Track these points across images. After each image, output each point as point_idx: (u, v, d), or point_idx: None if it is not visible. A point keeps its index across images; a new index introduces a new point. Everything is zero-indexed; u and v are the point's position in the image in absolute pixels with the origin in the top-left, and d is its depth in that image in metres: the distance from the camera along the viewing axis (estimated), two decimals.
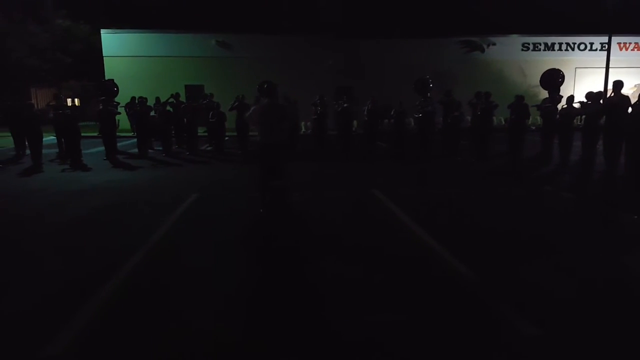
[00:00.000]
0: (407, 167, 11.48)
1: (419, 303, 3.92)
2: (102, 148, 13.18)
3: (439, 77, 18.29)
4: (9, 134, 13.87)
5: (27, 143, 12.52)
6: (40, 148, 11.88)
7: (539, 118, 14.66)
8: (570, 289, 4.17)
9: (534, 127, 19.06)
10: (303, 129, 21.74)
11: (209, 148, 15.43)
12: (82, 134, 12.66)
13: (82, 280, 4.45)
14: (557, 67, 13.36)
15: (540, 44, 27.10)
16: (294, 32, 26.44)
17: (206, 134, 15.78)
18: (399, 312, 3.75)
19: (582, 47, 27.17)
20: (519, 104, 12.15)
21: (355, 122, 15.82)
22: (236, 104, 14.24)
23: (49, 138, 13.78)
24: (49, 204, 7.72)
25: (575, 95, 12.58)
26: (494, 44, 26.85)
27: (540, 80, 12.90)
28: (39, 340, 3.33)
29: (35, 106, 13.76)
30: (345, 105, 14.18)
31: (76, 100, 32.72)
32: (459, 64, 25.84)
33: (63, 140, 12.98)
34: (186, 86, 23.23)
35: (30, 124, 11.93)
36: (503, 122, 19.99)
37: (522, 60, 26.77)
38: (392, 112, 13.84)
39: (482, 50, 26.75)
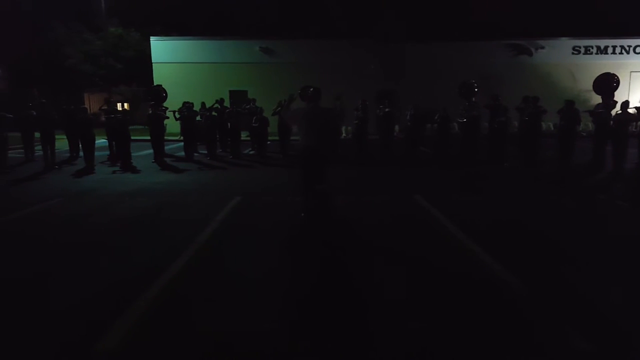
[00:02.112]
0: (450, 173, 11.26)
1: (464, 313, 3.82)
2: (151, 151, 13.63)
3: (485, 81, 17.86)
4: (64, 137, 14.57)
5: (80, 145, 13.11)
6: (92, 150, 12.41)
7: (590, 124, 14.08)
8: (626, 304, 3.96)
9: (584, 134, 18.31)
10: (344, 134, 21.76)
11: (251, 152, 15.67)
12: (132, 137, 13.15)
13: (132, 277, 4.61)
14: (610, 71, 12.78)
15: (592, 47, 26.04)
16: (336, 36, 26.52)
17: (249, 138, 16.06)
18: (443, 320, 3.68)
19: (637, 50, 25.91)
20: (570, 110, 11.71)
21: (396, 127, 15.68)
22: (279, 108, 14.42)
23: (101, 141, 14.38)
24: (100, 204, 8.05)
25: (630, 100, 12.00)
26: (543, 48, 26.01)
27: (593, 85, 12.38)
28: (94, 334, 3.46)
29: (89, 110, 14.37)
30: (387, 109, 14.09)
31: (125, 104, 34.02)
32: (506, 68, 25.16)
33: (114, 143, 13.51)
34: (230, 91, 23.74)
35: (83, 127, 12.49)
36: (552, 128, 19.31)
37: (572, 64, 25.80)
38: (436, 117, 13.63)
39: (530, 54, 25.97)
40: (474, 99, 13.43)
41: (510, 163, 12.27)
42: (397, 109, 14.34)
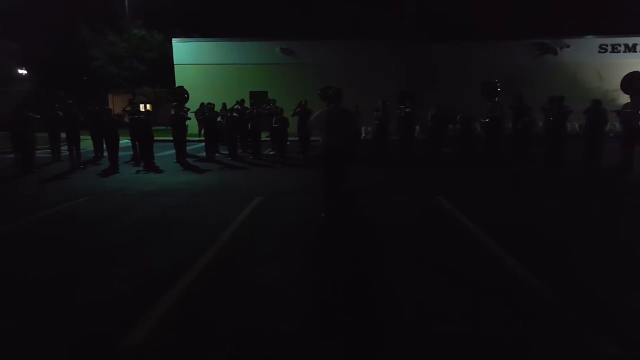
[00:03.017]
0: (473, 174, 11.11)
1: (487, 316, 3.76)
2: (173, 151, 13.81)
3: (509, 80, 17.59)
4: (89, 137, 14.87)
5: (105, 146, 13.36)
6: (117, 151, 12.63)
7: (617, 124, 13.72)
8: None
9: (612, 135, 17.85)
10: (363, 134, 21.66)
11: (271, 152, 15.74)
12: (155, 138, 13.34)
13: (156, 275, 4.66)
14: (639, 69, 12.43)
15: (619, 45, 25.42)
16: (357, 37, 26.46)
17: (269, 138, 16.13)
18: (468, 323, 3.62)
19: None
20: (596, 109, 11.43)
21: (417, 127, 15.57)
22: (298, 109, 14.47)
23: (125, 141, 14.64)
24: (125, 203, 8.19)
25: None
26: (568, 46, 25.50)
27: (621, 84, 12.04)
28: (118, 331, 3.51)
29: (113, 111, 14.63)
30: (408, 110, 13.99)
31: (148, 105, 34.54)
32: (530, 67, 24.74)
33: (137, 143, 13.73)
34: (251, 92, 23.88)
35: (108, 128, 12.72)
36: (578, 129, 18.90)
37: (599, 62, 25.22)
38: (458, 117, 13.46)
39: (555, 53, 25.49)
40: (497, 99, 13.23)
41: (535, 165, 12.04)
42: (418, 109, 14.21)
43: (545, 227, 6.39)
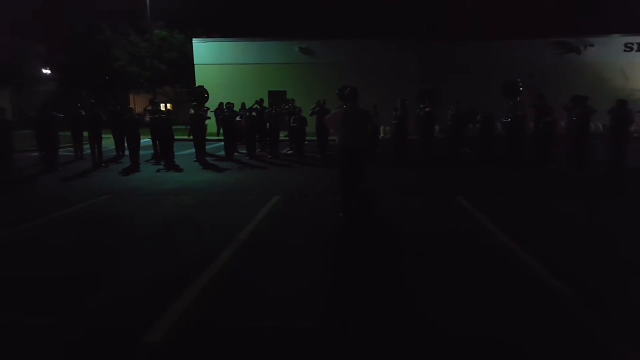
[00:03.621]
0: (494, 175, 10.97)
1: (512, 319, 3.71)
2: (193, 151, 13.95)
3: (531, 80, 17.28)
4: (111, 136, 15.11)
5: (126, 145, 13.57)
6: (138, 150, 12.81)
7: None
8: None
9: (637, 135, 17.42)
10: (382, 134, 21.55)
11: (289, 152, 15.78)
12: (175, 137, 13.49)
13: (176, 273, 4.72)
14: None
15: None
16: (376, 36, 26.34)
17: (287, 138, 16.17)
18: (493, 330, 3.58)
19: None
20: (622, 109, 11.16)
21: (437, 127, 15.39)
22: (317, 108, 14.47)
23: (146, 140, 14.82)
24: (146, 201, 8.31)
25: None
26: (592, 45, 24.93)
27: None
28: (140, 328, 3.56)
29: (134, 111, 14.84)
30: (427, 109, 13.87)
31: (169, 105, 34.95)
32: (553, 67, 24.27)
33: (158, 142, 13.90)
34: (270, 92, 23.97)
35: (129, 127, 12.92)
36: (602, 129, 18.49)
37: (624, 62, 24.61)
38: (478, 117, 13.28)
39: (579, 52, 24.95)
40: (518, 98, 13.02)
41: (557, 165, 11.82)
42: (438, 109, 14.07)
43: (567, 229, 6.28)
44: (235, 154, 15.09)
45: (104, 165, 13.23)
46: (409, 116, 14.34)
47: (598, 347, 3.27)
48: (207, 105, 14.49)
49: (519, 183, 9.97)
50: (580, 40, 25.02)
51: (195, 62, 26.04)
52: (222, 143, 15.22)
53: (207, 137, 14.88)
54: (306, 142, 15.45)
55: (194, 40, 26.51)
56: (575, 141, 12.02)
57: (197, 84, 21.13)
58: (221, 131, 16.52)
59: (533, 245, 5.37)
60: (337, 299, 4.11)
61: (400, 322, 3.65)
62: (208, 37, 27.76)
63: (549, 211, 7.31)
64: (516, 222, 6.60)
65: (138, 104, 33.69)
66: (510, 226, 6.24)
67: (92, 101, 14.81)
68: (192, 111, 13.72)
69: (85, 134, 14.09)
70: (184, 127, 23.63)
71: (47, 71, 32.17)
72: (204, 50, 26.05)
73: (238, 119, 15.26)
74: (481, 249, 5.44)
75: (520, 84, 13.25)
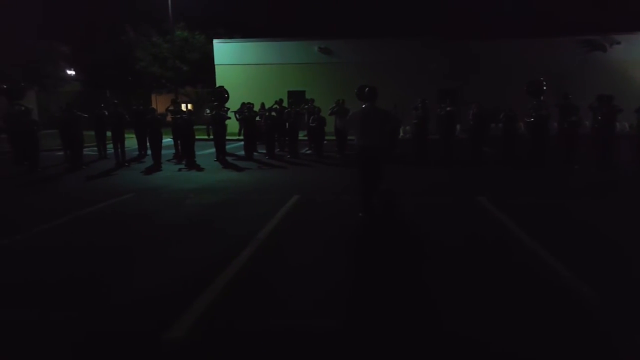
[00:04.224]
0: (516, 175, 10.79)
1: (535, 323, 3.64)
2: (213, 150, 14.08)
3: (555, 78, 16.96)
4: (134, 136, 15.35)
5: (148, 144, 13.76)
6: (160, 149, 12.98)
7: None
8: None
9: None
10: (402, 134, 21.42)
11: (308, 151, 15.79)
12: (196, 137, 13.63)
13: (198, 270, 4.76)
14: None
15: None
16: (396, 35, 26.17)
17: (306, 137, 16.18)
18: (517, 334, 3.52)
19: None
20: None
21: (458, 126, 15.23)
22: (336, 108, 14.43)
23: (167, 140, 15.02)
24: (168, 199, 8.41)
25: None
26: (619, 43, 24.32)
27: None
28: (162, 325, 3.60)
29: (156, 111, 15.04)
30: (448, 108, 13.73)
31: (190, 105, 35.33)
32: (578, 65, 23.77)
33: (179, 142, 14.06)
34: (289, 92, 24.03)
35: (152, 127, 13.10)
36: (628, 129, 18.06)
37: None
38: (501, 116, 13.08)
39: (605, 50, 24.38)
40: (542, 97, 12.79)
41: (582, 165, 11.58)
42: (459, 108, 13.91)
43: (592, 231, 6.13)
44: (255, 153, 15.17)
45: (126, 164, 13.44)
46: (429, 115, 14.23)
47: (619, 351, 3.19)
48: (227, 105, 14.61)
49: (541, 183, 9.79)
50: (606, 37, 24.44)
51: (215, 63, 26.28)
52: (242, 142, 15.31)
53: (228, 137, 15.00)
54: (325, 142, 15.46)
55: (215, 40, 26.76)
56: (600, 140, 11.76)
57: (218, 84, 21.30)
58: (242, 131, 16.61)
59: (554, 245, 5.26)
60: (358, 300, 4.09)
61: (420, 326, 3.62)
62: (228, 37, 27.99)
63: (570, 211, 7.15)
64: (539, 222, 6.48)
65: (160, 103, 34.14)
66: (533, 227, 6.12)
67: (115, 101, 15.07)
68: (208, 111, 13.84)
69: (109, 133, 14.34)
70: (204, 126, 23.90)
71: (71, 72, 32.81)
72: (224, 51, 26.28)
73: (257, 118, 15.34)
74: (504, 252, 5.35)
75: (544, 82, 13.02)
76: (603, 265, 4.78)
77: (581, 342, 3.32)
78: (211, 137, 14.40)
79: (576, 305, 3.87)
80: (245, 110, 15.07)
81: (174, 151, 14.67)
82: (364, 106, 6.73)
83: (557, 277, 4.45)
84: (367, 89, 6.85)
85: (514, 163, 12.19)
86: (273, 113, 15.27)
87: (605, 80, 21.77)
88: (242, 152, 14.93)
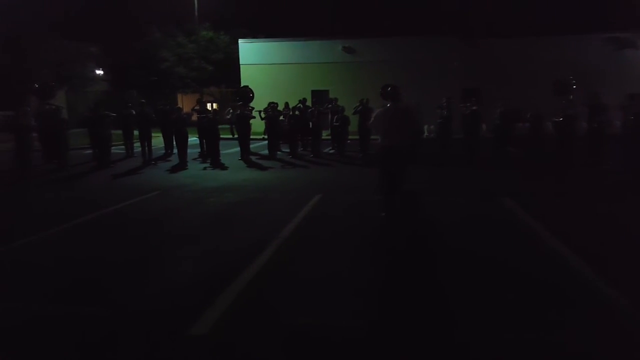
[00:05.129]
0: (542, 175, 10.57)
1: (556, 327, 3.58)
2: (238, 149, 14.22)
3: (583, 77, 16.55)
4: (160, 135, 15.62)
5: (174, 143, 13.98)
6: (185, 148, 13.18)
7: None
8: None
9: None
10: (426, 133, 21.22)
11: (331, 151, 15.80)
12: (221, 136, 13.78)
13: (222, 267, 4.83)
14: None
15: None
16: (419, 33, 25.95)
17: (329, 137, 16.19)
18: (537, 332, 3.46)
19: None
20: None
21: (483, 126, 15.01)
22: (360, 107, 14.41)
23: (193, 139, 15.23)
24: (193, 198, 8.54)
25: None
26: None
27: None
28: (187, 321, 3.67)
29: (182, 110, 15.26)
30: (474, 108, 13.55)
31: (215, 105, 35.70)
32: (607, 63, 23.09)
33: (204, 141, 14.24)
34: (312, 91, 24.06)
35: (177, 126, 13.31)
36: None
37: None
38: (527, 115, 12.84)
39: (636, 47, 23.68)
40: (571, 96, 12.50)
41: (612, 166, 11.27)
42: (484, 107, 13.71)
43: (619, 233, 5.97)
44: (278, 152, 15.26)
45: (153, 162, 13.69)
46: (454, 115, 14.08)
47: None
48: (252, 104, 14.72)
49: (569, 184, 9.57)
50: (638, 34, 23.73)
51: (240, 62, 26.51)
52: (266, 142, 15.42)
53: (252, 136, 15.13)
54: (348, 141, 15.44)
55: (240, 40, 27.00)
56: (630, 141, 11.43)
57: (242, 84, 21.47)
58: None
59: (581, 247, 5.14)
60: (382, 302, 4.09)
61: (443, 330, 3.60)
62: (253, 37, 28.21)
63: (599, 213, 6.98)
64: (567, 225, 6.33)
65: (186, 103, 34.59)
66: (556, 228, 6.00)
67: (142, 100, 15.35)
68: (231, 110, 13.95)
69: (136, 132, 14.62)
70: (228, 126, 24.14)
71: (99, 72, 33.51)
72: (249, 51, 26.49)
73: (281, 118, 15.43)
74: (527, 252, 5.26)
75: (573, 81, 12.73)
76: (627, 266, 4.65)
77: None
78: (235, 136, 14.52)
79: (597, 305, 3.79)
80: (269, 110, 15.18)
81: (199, 150, 14.87)
82: (387, 105, 6.70)
83: (580, 280, 4.35)
84: (389, 88, 6.81)
85: (540, 164, 11.95)
86: (297, 112, 15.33)
87: (637, 78, 21.15)
88: (266, 152, 15.04)
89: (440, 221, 6.72)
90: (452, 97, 14.55)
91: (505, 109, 13.00)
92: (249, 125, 14.18)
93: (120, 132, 15.13)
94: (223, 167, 12.38)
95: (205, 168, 12.41)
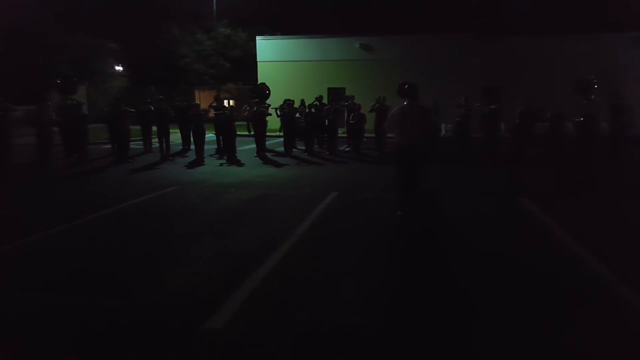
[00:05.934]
0: (561, 175, 10.40)
1: (578, 325, 3.52)
2: (254, 146, 14.28)
3: (605, 76, 16.22)
4: (177, 131, 15.76)
5: (192, 139, 14.10)
6: (203, 144, 13.28)
7: None
8: None
9: None
10: (444, 131, 21.02)
11: (347, 148, 15.76)
12: (237, 133, 13.86)
13: (237, 263, 4.86)
14: None
15: None
16: (437, 31, 25.71)
17: (345, 134, 16.15)
18: (557, 334, 3.41)
19: None
20: None
21: (502, 125, 14.80)
22: (377, 105, 14.34)
23: (210, 135, 15.34)
24: (210, 193, 8.62)
25: None
26: None
27: None
28: (202, 315, 3.70)
29: (200, 107, 15.38)
30: (492, 106, 13.37)
31: (232, 101, 35.88)
32: (631, 63, 22.62)
33: (221, 137, 14.33)
34: (329, 89, 24.01)
35: (195, 122, 13.42)
36: None
37: None
38: (547, 115, 12.63)
39: None
40: (592, 96, 12.26)
41: (634, 167, 11.04)
42: (503, 106, 13.52)
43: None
44: (294, 150, 15.28)
45: (170, 158, 13.82)
46: (472, 113, 13.91)
47: None
48: (268, 101, 14.75)
49: (587, 185, 9.40)
50: None
51: (258, 60, 26.59)
52: (282, 139, 15.46)
53: (268, 133, 15.17)
54: (364, 139, 15.38)
55: (257, 37, 27.08)
56: None
57: (260, 81, 21.54)
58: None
59: (599, 248, 5.05)
60: (399, 301, 4.07)
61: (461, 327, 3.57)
62: (271, 34, 28.27)
63: (619, 214, 6.84)
64: (586, 226, 6.21)
65: (203, 100, 34.81)
66: (575, 229, 5.89)
67: (161, 97, 15.50)
68: (247, 107, 14.01)
69: (154, 128, 14.78)
70: (245, 122, 24.26)
71: (119, 68, 33.94)
72: (266, 48, 26.55)
73: (297, 115, 15.44)
74: (544, 252, 5.19)
75: (595, 81, 12.48)
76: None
77: None
78: (251, 133, 14.59)
79: (614, 305, 3.72)
80: (285, 107, 15.20)
81: (216, 146, 14.96)
82: (404, 104, 6.65)
83: (598, 281, 4.28)
84: (407, 85, 6.75)
85: (560, 164, 11.76)
86: (313, 110, 15.32)
87: None
88: (282, 149, 15.07)
89: (457, 220, 6.66)
90: (470, 95, 14.37)
91: (525, 108, 12.80)
92: (265, 122, 14.21)
93: (138, 127, 15.30)
94: (239, 164, 12.45)
95: (221, 164, 12.50)
